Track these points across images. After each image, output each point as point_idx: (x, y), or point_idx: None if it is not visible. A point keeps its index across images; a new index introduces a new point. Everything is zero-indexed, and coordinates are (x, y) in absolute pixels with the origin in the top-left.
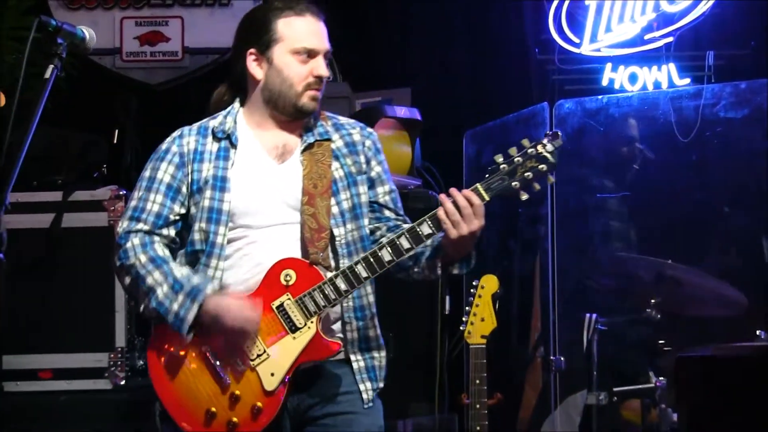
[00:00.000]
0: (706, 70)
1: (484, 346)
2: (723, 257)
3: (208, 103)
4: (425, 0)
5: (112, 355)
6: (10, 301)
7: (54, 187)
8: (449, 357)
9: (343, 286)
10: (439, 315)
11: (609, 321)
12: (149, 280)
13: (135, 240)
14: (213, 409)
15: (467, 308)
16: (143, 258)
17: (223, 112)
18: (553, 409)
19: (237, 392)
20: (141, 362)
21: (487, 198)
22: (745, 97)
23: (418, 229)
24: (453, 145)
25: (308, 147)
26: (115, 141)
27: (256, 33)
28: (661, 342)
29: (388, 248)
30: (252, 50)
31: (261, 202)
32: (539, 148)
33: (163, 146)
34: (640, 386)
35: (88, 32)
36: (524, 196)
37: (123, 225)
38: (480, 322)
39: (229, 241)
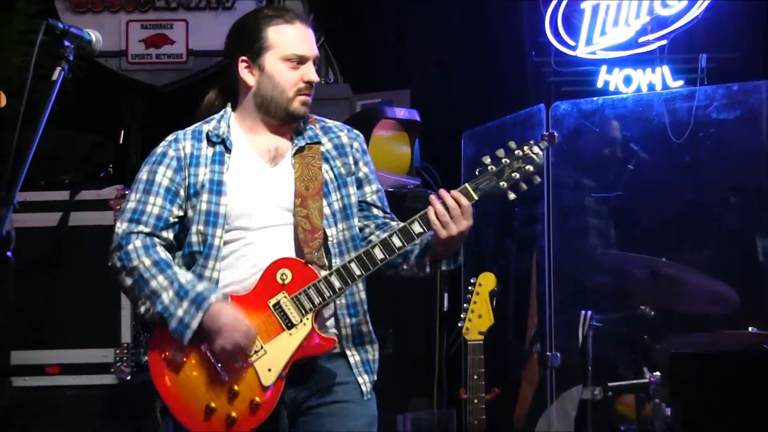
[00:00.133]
0: (699, 73)
1: (481, 342)
2: (716, 255)
3: (198, 109)
4: (424, 5)
5: (117, 351)
6: (18, 297)
7: (61, 186)
8: (448, 353)
9: (337, 283)
10: (437, 312)
11: (604, 318)
12: (153, 284)
13: (137, 242)
14: (212, 404)
15: (465, 305)
16: (147, 261)
17: (216, 117)
18: (549, 404)
19: (235, 388)
20: (146, 358)
21: (475, 197)
22: (738, 98)
23: (410, 228)
24: (451, 145)
25: (299, 150)
26: (120, 141)
27: (248, 41)
28: (644, 336)
29: (381, 246)
30: (244, 57)
31: (256, 204)
32: (525, 149)
33: (159, 150)
34: (634, 381)
35: (94, 35)
36: (512, 196)
37: (122, 226)
38: (478, 318)
39: (226, 243)
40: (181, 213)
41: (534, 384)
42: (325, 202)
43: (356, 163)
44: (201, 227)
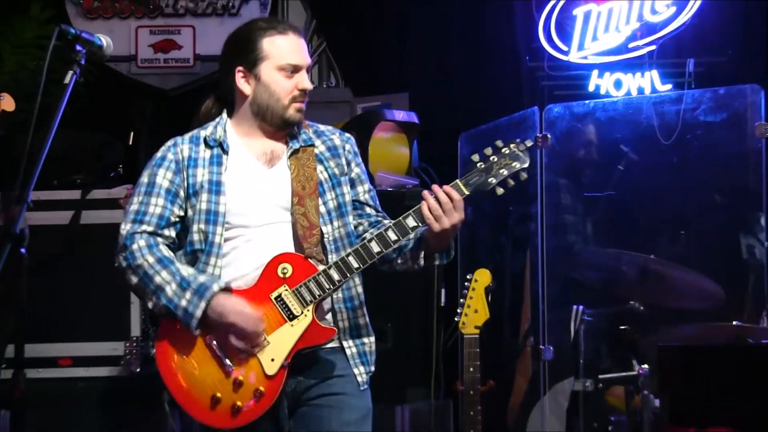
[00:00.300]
0: (686, 77)
1: (477, 336)
2: (702, 252)
3: (196, 116)
4: (423, 9)
5: (127, 344)
6: (32, 293)
7: (73, 186)
8: (444, 347)
9: (336, 276)
10: (435, 307)
11: (595, 312)
12: (157, 279)
13: (141, 242)
14: (218, 394)
15: (461, 300)
16: (151, 259)
17: (213, 123)
18: (542, 396)
19: (240, 378)
20: (154, 351)
21: (466, 192)
22: (724, 102)
23: (404, 222)
24: (449, 146)
25: (294, 152)
26: (130, 143)
27: (243, 51)
28: (633, 330)
29: (377, 240)
30: (240, 68)
31: (254, 203)
32: (512, 147)
33: (159, 154)
34: (624, 374)
35: (105, 40)
36: (500, 191)
37: (126, 227)
38: (474, 313)
39: (226, 240)
40: (181, 213)
41: (528, 376)
42: (320, 201)
43: (348, 164)
44: (202, 226)
